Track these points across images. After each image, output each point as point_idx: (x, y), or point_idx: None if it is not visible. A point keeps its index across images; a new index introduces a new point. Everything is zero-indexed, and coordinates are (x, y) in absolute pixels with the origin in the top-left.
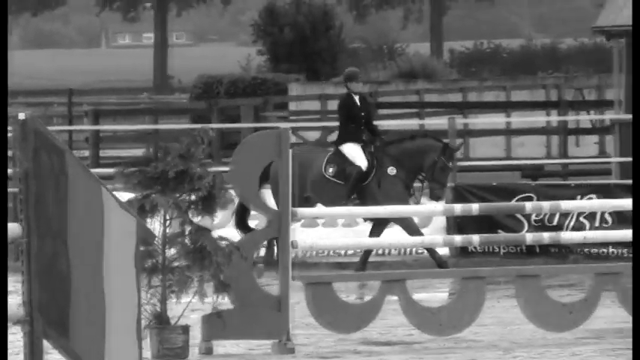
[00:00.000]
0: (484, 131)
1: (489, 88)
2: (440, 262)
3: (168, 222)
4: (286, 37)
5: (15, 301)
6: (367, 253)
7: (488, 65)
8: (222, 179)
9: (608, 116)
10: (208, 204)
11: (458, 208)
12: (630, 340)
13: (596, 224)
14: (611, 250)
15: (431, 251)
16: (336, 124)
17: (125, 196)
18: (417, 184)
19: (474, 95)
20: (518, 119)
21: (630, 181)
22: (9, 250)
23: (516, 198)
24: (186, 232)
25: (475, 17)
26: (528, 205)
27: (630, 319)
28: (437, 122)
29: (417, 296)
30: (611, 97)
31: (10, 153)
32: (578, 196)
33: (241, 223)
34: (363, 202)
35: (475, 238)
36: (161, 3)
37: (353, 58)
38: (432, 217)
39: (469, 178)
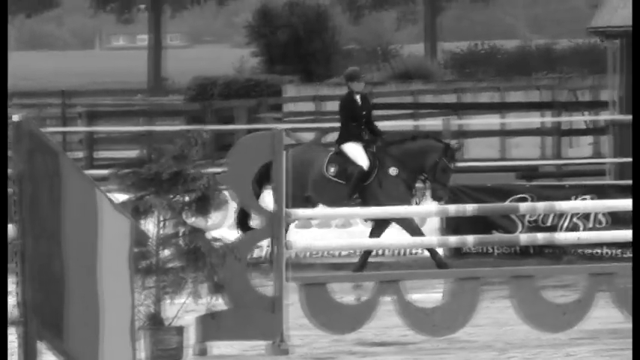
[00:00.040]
0: (479, 132)
1: (484, 89)
2: (440, 263)
3: (162, 223)
4: (280, 39)
5: (10, 302)
6: (367, 254)
7: (482, 66)
8: (216, 180)
9: (603, 117)
10: (202, 205)
11: (452, 208)
12: (624, 340)
13: (591, 225)
14: (605, 250)
15: (432, 252)
16: (331, 125)
17: (119, 197)
18: (419, 185)
19: (468, 96)
20: (513, 120)
21: (624, 182)
22: None
23: (511, 199)
24: (181, 234)
25: (470, 18)
26: (523, 206)
27: (624, 319)
28: (432, 123)
29: (411, 297)
30: (605, 98)
31: (10, 153)
32: (573, 197)
33: (243, 223)
34: (365, 202)
35: (469, 239)
36: (155, 5)
37: (347, 59)
38: (426, 218)
39: (464, 178)
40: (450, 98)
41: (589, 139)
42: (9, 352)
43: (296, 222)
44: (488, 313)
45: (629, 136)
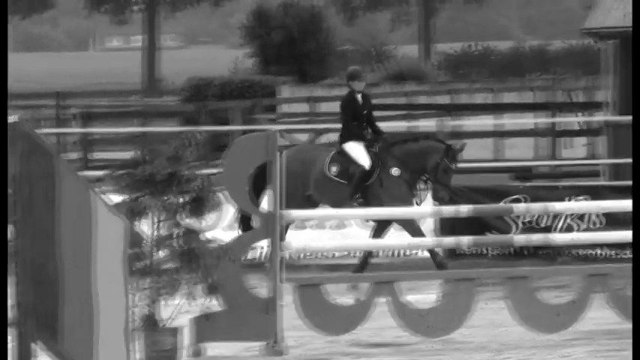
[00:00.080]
0: (473, 133)
1: (478, 90)
2: (440, 264)
3: (157, 225)
4: (275, 40)
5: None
6: (368, 255)
7: (477, 67)
8: (210, 182)
9: (597, 118)
10: (197, 206)
11: (447, 209)
12: (619, 341)
13: (585, 226)
14: (600, 251)
15: (432, 253)
16: (325, 126)
17: (114, 198)
18: (419, 185)
19: (463, 97)
20: (508, 121)
21: (619, 183)
22: None
23: (506, 200)
24: (176, 235)
25: (464, 19)
26: (518, 207)
27: (619, 320)
28: (426, 124)
29: (407, 298)
30: (599, 99)
31: None
32: (568, 198)
33: (244, 223)
34: (367, 202)
35: (464, 240)
36: (150, 5)
37: (342, 60)
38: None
39: (459, 179)
40: (444, 99)
41: (583, 140)
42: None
43: (294, 223)
44: (483, 314)
45: (624, 137)
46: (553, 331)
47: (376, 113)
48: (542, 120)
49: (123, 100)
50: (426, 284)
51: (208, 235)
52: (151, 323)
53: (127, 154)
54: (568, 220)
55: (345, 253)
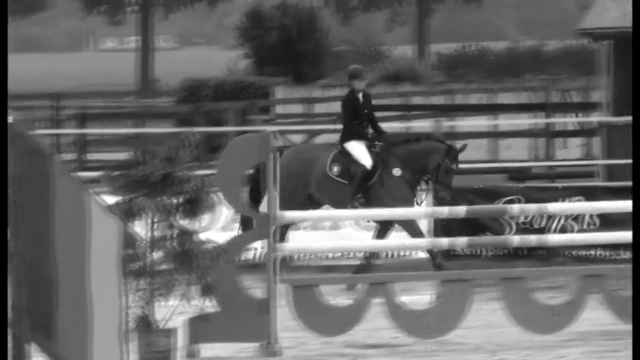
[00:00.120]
0: (470, 134)
1: (475, 91)
2: (438, 266)
3: (153, 225)
4: (271, 40)
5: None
6: (370, 256)
7: (473, 68)
8: (208, 182)
9: (594, 118)
10: (194, 207)
11: (444, 210)
12: (615, 342)
13: (583, 227)
14: (597, 252)
15: (432, 254)
16: (321, 127)
17: (110, 199)
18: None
19: (459, 98)
20: (504, 122)
21: (615, 184)
22: None
23: (502, 200)
24: (172, 236)
25: (460, 20)
26: (514, 208)
27: (615, 321)
28: (422, 125)
29: (402, 299)
30: (596, 100)
31: None
32: (565, 199)
33: (245, 223)
34: (368, 202)
35: (461, 241)
36: (146, 6)
37: (337, 61)
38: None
39: (455, 180)
40: (440, 100)
41: (579, 140)
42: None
43: (294, 225)
44: (479, 315)
45: (619, 137)
46: (549, 332)
47: None
48: (537, 120)
49: (119, 100)
50: (422, 285)
51: (205, 235)
52: (145, 324)
53: (123, 155)
54: (562, 222)
55: (339, 254)
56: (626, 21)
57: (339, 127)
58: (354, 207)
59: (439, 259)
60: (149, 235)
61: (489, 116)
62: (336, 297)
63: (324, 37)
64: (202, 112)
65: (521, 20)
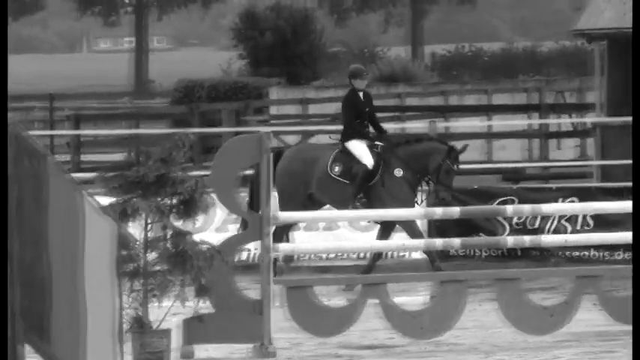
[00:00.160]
0: (465, 135)
1: (470, 92)
2: (437, 268)
3: (149, 226)
4: (266, 41)
5: None
6: (377, 256)
7: (469, 69)
8: (202, 183)
9: (589, 119)
10: (189, 208)
11: (439, 211)
12: (610, 343)
13: (577, 227)
14: (592, 253)
15: (431, 256)
16: (316, 127)
17: (106, 200)
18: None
19: (454, 99)
20: (499, 122)
21: (610, 184)
22: None
23: (497, 201)
24: (167, 236)
25: (456, 20)
26: (509, 209)
27: (610, 322)
28: (418, 126)
29: (397, 300)
30: (591, 100)
31: None
32: (559, 199)
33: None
34: (369, 202)
35: (456, 242)
36: (141, 7)
37: (334, 61)
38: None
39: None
40: (436, 101)
41: (575, 141)
42: None
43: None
44: (474, 315)
45: (613, 138)
46: (544, 333)
47: None
48: (533, 121)
49: (114, 101)
50: (417, 286)
51: (200, 236)
52: (142, 325)
53: (118, 156)
54: (560, 222)
55: (333, 255)
56: (621, 22)
57: (333, 127)
58: (355, 207)
59: (438, 262)
60: (143, 236)
61: (485, 117)
62: (331, 298)
63: (318, 38)
64: (197, 113)
65: (517, 21)
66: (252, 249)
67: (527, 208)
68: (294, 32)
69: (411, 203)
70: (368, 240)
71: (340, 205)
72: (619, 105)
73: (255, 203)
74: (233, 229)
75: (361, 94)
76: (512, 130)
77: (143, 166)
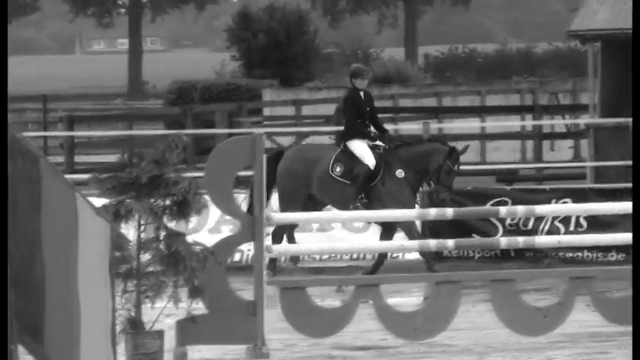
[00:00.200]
0: (459, 136)
1: (464, 93)
2: (432, 269)
3: (142, 227)
4: (260, 43)
5: None
6: (382, 257)
7: (462, 70)
8: (196, 185)
9: (583, 120)
10: (183, 209)
11: (432, 212)
12: (604, 344)
13: (571, 228)
14: (585, 254)
15: (426, 258)
16: (310, 129)
17: (100, 201)
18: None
19: (448, 100)
20: (493, 124)
21: (604, 185)
22: None
23: (491, 202)
24: (161, 237)
25: (449, 22)
26: (503, 210)
27: (604, 322)
28: (411, 127)
29: (391, 301)
30: (585, 101)
31: None
32: (553, 201)
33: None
34: (370, 202)
35: (450, 243)
36: (135, 9)
37: (327, 63)
38: None
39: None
40: (430, 102)
41: (569, 142)
42: None
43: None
44: (468, 316)
45: (607, 139)
46: (538, 334)
47: None
48: (527, 122)
49: (108, 103)
50: (411, 287)
51: (194, 237)
52: (136, 326)
53: (112, 157)
54: (554, 223)
55: (327, 256)
56: (614, 23)
57: (327, 129)
58: (356, 207)
59: (433, 263)
60: (137, 237)
61: (479, 118)
62: (325, 299)
63: (311, 39)
64: (190, 115)
65: (511, 22)
66: (245, 250)
67: (520, 209)
68: (287, 34)
69: (411, 205)
70: (362, 241)
71: (341, 205)
72: (613, 106)
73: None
74: (227, 230)
75: (362, 93)
76: (505, 131)
77: (136, 167)
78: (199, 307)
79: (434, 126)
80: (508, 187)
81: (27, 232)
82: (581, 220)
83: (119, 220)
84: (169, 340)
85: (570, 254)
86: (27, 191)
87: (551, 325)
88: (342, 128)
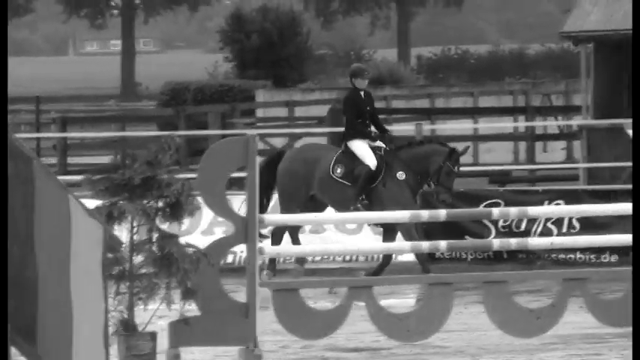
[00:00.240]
0: (451, 137)
1: (457, 94)
2: (427, 271)
3: (135, 229)
4: (253, 44)
5: None
6: (387, 258)
7: (455, 71)
8: (189, 186)
9: (576, 122)
10: (175, 211)
11: (425, 214)
12: (597, 345)
13: (564, 230)
14: (578, 255)
15: (420, 258)
16: (303, 130)
17: (92, 203)
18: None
19: (441, 101)
20: (486, 125)
21: (597, 187)
22: None
23: (484, 204)
24: (154, 239)
25: (442, 23)
26: (495, 211)
27: (597, 324)
28: (404, 128)
29: (384, 302)
30: (578, 103)
31: None
32: (546, 202)
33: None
34: (371, 204)
35: (442, 244)
36: (128, 10)
37: (320, 64)
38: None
39: None
40: (422, 103)
41: (562, 143)
42: None
43: (269, 227)
44: (460, 318)
45: (600, 140)
46: (531, 336)
47: None
48: (520, 124)
49: (101, 104)
50: (405, 288)
51: (186, 239)
52: (129, 327)
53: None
54: (547, 224)
55: (319, 258)
56: (607, 24)
57: (320, 130)
58: (357, 209)
59: (428, 265)
60: (130, 238)
61: (471, 120)
62: (318, 300)
63: (304, 40)
64: (183, 116)
65: (504, 23)
66: (238, 252)
67: (513, 210)
68: (280, 35)
69: (411, 207)
70: (354, 243)
71: (342, 206)
72: (605, 107)
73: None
74: (219, 231)
75: (362, 93)
76: (498, 132)
77: (129, 168)
78: (192, 309)
79: (426, 127)
80: (501, 189)
81: (20, 233)
82: (574, 222)
83: (112, 221)
84: (162, 342)
85: (563, 256)
86: (20, 192)
87: (543, 326)
88: (335, 129)
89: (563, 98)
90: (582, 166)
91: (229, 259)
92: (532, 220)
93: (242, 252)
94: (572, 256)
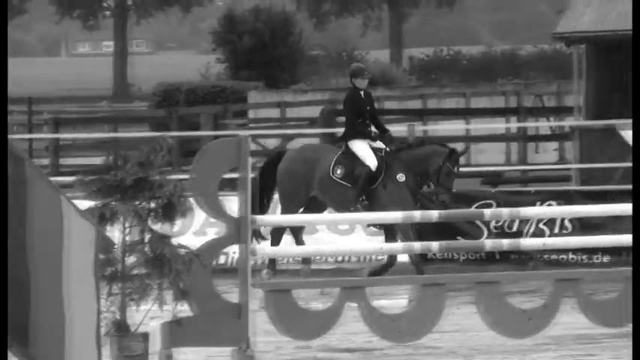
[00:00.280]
0: (444, 138)
1: (449, 95)
2: (420, 272)
3: (127, 230)
4: (245, 45)
5: None
6: (393, 258)
7: (447, 72)
8: (182, 187)
9: (568, 122)
10: (168, 212)
11: (418, 214)
12: (589, 346)
13: (556, 231)
14: (570, 256)
15: (413, 259)
16: (295, 131)
17: (85, 204)
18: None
19: (433, 102)
20: (478, 126)
21: (589, 188)
22: None
23: (476, 205)
24: (146, 240)
25: (434, 24)
26: (488, 212)
27: (590, 325)
28: (396, 129)
29: (376, 303)
30: (570, 104)
31: None
32: (538, 203)
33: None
34: (371, 205)
35: (434, 245)
36: (121, 11)
37: (312, 65)
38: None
39: None
40: (415, 104)
41: (554, 144)
42: None
43: (262, 228)
44: (453, 319)
45: (592, 141)
46: (523, 336)
47: None
48: (512, 125)
49: (93, 105)
50: (397, 289)
51: (179, 240)
52: (121, 328)
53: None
54: (539, 225)
55: (319, 257)
56: (600, 25)
57: (312, 131)
58: (357, 210)
59: (422, 266)
60: (122, 239)
61: (464, 120)
62: (310, 301)
63: (297, 41)
64: (176, 117)
65: (496, 24)
66: (230, 252)
67: (505, 211)
68: (272, 35)
69: (411, 209)
70: (347, 243)
71: (342, 207)
72: (598, 108)
73: (254, 207)
74: (212, 232)
75: (362, 93)
76: (490, 133)
77: (121, 170)
78: (184, 310)
79: (419, 128)
80: (493, 190)
81: (13, 234)
82: (566, 223)
83: (104, 222)
84: (154, 343)
85: (555, 256)
86: (12, 194)
87: (536, 327)
88: (327, 130)
89: (555, 99)
90: (574, 166)
91: (222, 259)
92: (524, 221)
93: (234, 253)
94: (564, 256)
